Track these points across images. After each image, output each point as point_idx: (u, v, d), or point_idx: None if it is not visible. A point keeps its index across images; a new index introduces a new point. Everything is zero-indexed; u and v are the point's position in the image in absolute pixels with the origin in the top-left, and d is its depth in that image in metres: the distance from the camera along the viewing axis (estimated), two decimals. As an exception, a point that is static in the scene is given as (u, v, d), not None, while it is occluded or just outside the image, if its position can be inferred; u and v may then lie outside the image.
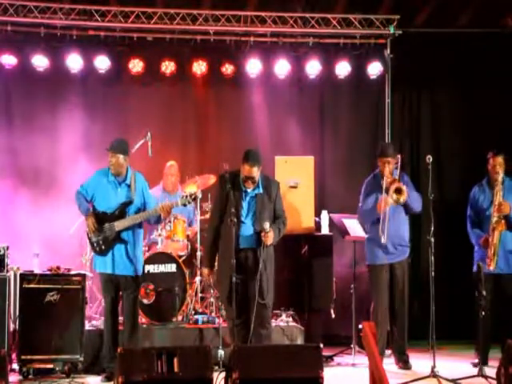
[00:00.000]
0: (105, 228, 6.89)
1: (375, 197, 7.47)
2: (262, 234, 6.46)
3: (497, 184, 7.54)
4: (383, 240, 7.32)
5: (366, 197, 7.57)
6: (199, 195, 7.54)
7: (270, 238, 6.48)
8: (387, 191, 7.37)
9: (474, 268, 7.65)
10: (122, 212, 6.93)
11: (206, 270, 6.94)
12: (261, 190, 6.62)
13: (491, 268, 7.39)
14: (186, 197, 6.98)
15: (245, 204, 6.58)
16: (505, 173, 7.61)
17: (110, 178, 7.02)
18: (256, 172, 6.56)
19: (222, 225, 6.60)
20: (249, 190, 6.60)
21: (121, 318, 7.13)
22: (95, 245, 6.95)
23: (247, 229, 6.56)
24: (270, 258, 6.61)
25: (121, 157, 6.97)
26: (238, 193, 6.56)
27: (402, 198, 7.34)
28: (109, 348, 6.93)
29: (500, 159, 7.60)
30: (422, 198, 7.56)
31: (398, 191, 7.35)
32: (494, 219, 7.46)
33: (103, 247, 6.90)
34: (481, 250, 7.61)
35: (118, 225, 6.88)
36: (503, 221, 7.46)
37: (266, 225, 6.47)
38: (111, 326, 6.97)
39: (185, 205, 7.07)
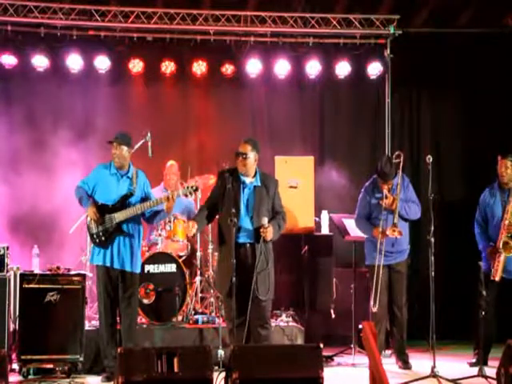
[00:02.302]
0: (105, 219, 6.88)
1: (369, 203, 7.48)
2: (261, 230, 6.37)
3: (508, 186, 7.45)
4: (374, 310, 7.37)
5: (360, 205, 7.61)
6: (199, 195, 7.55)
7: (269, 233, 6.39)
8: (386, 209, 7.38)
9: (484, 266, 7.59)
10: (122, 204, 6.92)
11: (191, 222, 6.57)
12: (259, 183, 6.59)
13: (496, 278, 7.33)
14: (188, 188, 6.99)
15: (243, 196, 6.53)
16: None
17: (112, 170, 7.02)
18: (248, 150, 6.50)
19: (221, 222, 6.58)
20: (246, 180, 6.58)
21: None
22: (95, 236, 6.93)
23: (245, 222, 6.47)
24: (271, 253, 6.55)
25: (124, 149, 6.98)
26: (237, 185, 6.54)
27: (396, 232, 7.34)
28: (106, 346, 6.92)
29: (506, 162, 7.51)
30: (422, 198, 7.55)
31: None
32: (502, 241, 7.29)
33: (103, 238, 6.89)
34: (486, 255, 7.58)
35: (119, 216, 6.87)
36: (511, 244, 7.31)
37: (265, 220, 6.39)
38: (110, 323, 6.93)
39: (186, 195, 7.04)
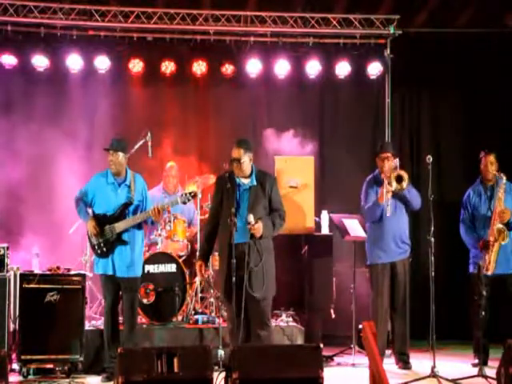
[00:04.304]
0: (105, 230, 6.88)
1: (376, 192, 7.47)
2: (249, 227, 6.37)
3: (491, 183, 7.56)
4: (388, 213, 7.31)
5: (368, 194, 7.57)
6: (199, 194, 7.54)
7: (257, 230, 6.37)
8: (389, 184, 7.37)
9: (471, 269, 7.65)
10: (122, 213, 6.92)
11: (198, 262, 6.73)
12: (254, 183, 6.57)
13: (489, 273, 7.37)
14: (186, 194, 6.99)
15: (238, 197, 6.54)
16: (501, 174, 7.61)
17: (109, 179, 7.00)
18: (242, 154, 6.48)
19: (220, 223, 6.58)
20: (241, 182, 6.54)
21: (121, 318, 7.15)
22: (96, 247, 6.94)
23: (240, 224, 6.43)
24: (268, 250, 6.51)
25: (120, 155, 6.96)
26: (232, 187, 6.54)
27: (405, 183, 7.31)
28: (108, 347, 6.94)
29: (492, 158, 7.62)
30: (422, 198, 7.56)
31: (399, 179, 7.34)
32: (496, 228, 7.40)
33: (104, 249, 6.90)
34: (477, 252, 7.59)
35: (119, 226, 6.88)
36: (505, 232, 7.41)
37: (250, 217, 6.36)
38: (111, 325, 6.97)
39: (184, 202, 7.06)
